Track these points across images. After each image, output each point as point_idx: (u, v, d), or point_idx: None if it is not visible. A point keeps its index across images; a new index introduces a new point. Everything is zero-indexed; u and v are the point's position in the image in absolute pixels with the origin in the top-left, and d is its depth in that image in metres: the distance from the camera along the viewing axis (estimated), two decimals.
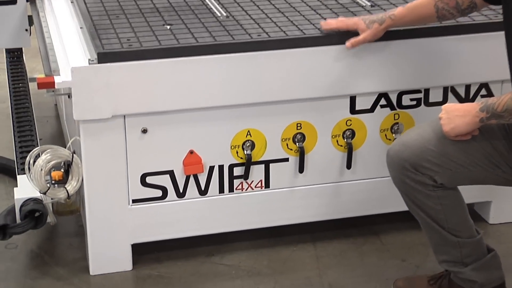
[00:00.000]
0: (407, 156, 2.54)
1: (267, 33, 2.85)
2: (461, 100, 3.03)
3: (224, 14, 3.04)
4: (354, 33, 2.80)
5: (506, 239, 3.15)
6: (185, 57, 2.73)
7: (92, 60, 2.69)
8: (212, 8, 3.10)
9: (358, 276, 2.95)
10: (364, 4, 3.14)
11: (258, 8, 3.11)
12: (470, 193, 2.71)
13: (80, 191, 2.90)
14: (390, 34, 2.82)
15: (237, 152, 2.93)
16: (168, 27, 2.90)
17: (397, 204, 2.97)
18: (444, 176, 2.55)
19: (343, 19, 2.84)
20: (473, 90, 3.04)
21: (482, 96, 3.04)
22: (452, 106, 2.52)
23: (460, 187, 2.63)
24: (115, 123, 2.77)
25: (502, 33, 2.87)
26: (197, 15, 3.02)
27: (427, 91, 3.01)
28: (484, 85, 3.04)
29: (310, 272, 2.97)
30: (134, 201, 2.89)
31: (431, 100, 3.03)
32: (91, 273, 2.95)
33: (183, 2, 3.16)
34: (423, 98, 3.01)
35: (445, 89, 3.01)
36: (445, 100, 3.03)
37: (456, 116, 2.49)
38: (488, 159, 2.55)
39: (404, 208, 2.82)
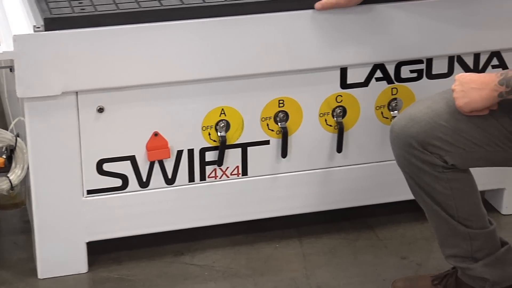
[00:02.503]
0: (414, 133, 2.53)
1: None
2: (469, 71, 3.00)
3: None
4: None
5: None
6: (148, 23, 2.73)
7: (38, 27, 2.67)
8: None
9: (351, 277, 2.95)
10: None
11: None
12: (480, 180, 2.70)
13: (25, 181, 2.88)
14: None
15: (209, 134, 2.91)
16: None
17: (395, 192, 3.03)
18: (456, 156, 2.54)
19: None
20: (483, 60, 3.04)
21: (493, 67, 3.04)
22: (467, 76, 2.50)
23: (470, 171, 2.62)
24: (66, 101, 2.74)
25: None
26: None
27: (429, 61, 3.01)
28: (496, 54, 3.04)
29: (296, 273, 2.97)
30: (89, 192, 2.87)
31: (434, 71, 3.02)
32: (39, 276, 2.93)
33: None
34: (425, 70, 3.02)
35: (451, 59, 3.02)
36: (450, 72, 3.03)
37: (472, 88, 2.48)
38: (507, 137, 2.54)
39: (403, 197, 2.86)
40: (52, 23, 2.64)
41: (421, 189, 2.61)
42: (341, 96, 2.96)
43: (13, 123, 2.85)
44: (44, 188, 2.82)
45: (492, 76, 2.46)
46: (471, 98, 2.48)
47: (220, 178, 2.95)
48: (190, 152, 2.90)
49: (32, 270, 2.94)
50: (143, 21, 2.71)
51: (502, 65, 3.03)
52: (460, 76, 2.51)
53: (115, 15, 2.69)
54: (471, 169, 2.61)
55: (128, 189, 2.89)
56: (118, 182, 2.87)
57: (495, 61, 3.03)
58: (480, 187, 2.68)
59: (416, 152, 2.54)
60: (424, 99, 2.64)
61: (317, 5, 2.79)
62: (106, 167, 2.85)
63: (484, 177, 2.89)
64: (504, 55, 3.02)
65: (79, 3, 2.74)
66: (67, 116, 2.75)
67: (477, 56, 3.01)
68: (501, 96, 2.46)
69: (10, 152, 2.80)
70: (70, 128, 2.77)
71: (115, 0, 2.75)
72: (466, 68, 3.01)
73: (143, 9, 2.71)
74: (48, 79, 2.67)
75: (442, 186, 2.57)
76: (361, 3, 2.79)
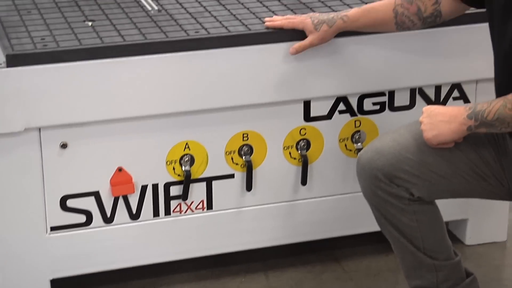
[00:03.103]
0: (380, 165, 2.53)
1: (206, 29, 2.83)
2: (430, 103, 3.03)
3: (156, 7, 3.02)
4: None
5: (485, 261, 3.17)
6: (111, 59, 2.72)
7: (0, 64, 2.65)
8: (141, 1, 3.09)
9: None
10: None
11: (195, 1, 3.09)
12: (443, 211, 2.71)
13: None
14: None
15: (174, 169, 2.89)
16: (90, 23, 2.88)
17: (360, 224, 3.02)
18: (422, 188, 2.54)
19: (289, 16, 2.82)
20: (444, 92, 3.05)
21: (454, 99, 3.06)
22: (436, 109, 2.51)
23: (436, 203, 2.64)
24: (29, 137, 2.72)
25: (476, 26, 2.90)
26: (123, 10, 3.00)
27: (391, 94, 3.01)
28: (457, 86, 3.05)
29: None
30: (52, 228, 2.84)
31: (396, 104, 3.03)
32: None
33: None
34: (387, 102, 3.02)
35: (413, 91, 3.03)
36: (412, 104, 3.03)
37: (440, 121, 2.48)
38: (473, 169, 2.55)
39: (368, 229, 2.86)
40: (14, 60, 2.63)
41: (387, 221, 2.60)
42: (304, 129, 2.96)
43: None
44: (7, 225, 2.78)
45: (460, 110, 2.46)
46: (439, 131, 2.48)
47: (185, 212, 2.94)
48: (155, 187, 2.88)
49: None
50: (106, 56, 2.70)
51: (463, 97, 3.04)
52: (428, 108, 2.52)
53: (78, 51, 2.68)
54: (436, 201, 2.62)
55: (92, 225, 2.86)
56: (82, 218, 2.85)
57: (456, 93, 3.04)
58: (444, 218, 2.69)
59: (382, 184, 2.54)
60: (390, 131, 2.64)
61: (291, 50, 2.78)
62: (70, 203, 2.82)
63: (448, 208, 2.88)
64: (464, 87, 3.03)
65: (41, 39, 2.74)
66: (30, 153, 2.73)
67: (438, 88, 3.02)
68: (470, 130, 2.46)
69: None
70: (33, 164, 2.75)
71: (77, 36, 2.75)
72: (428, 100, 3.02)
73: (106, 44, 2.71)
74: (10, 116, 2.65)
75: (408, 218, 2.57)
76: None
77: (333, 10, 2.94)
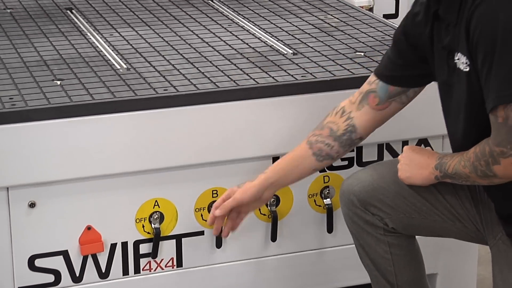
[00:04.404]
0: (357, 191, 2.57)
1: (174, 87, 2.84)
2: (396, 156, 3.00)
3: (124, 66, 3.02)
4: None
5: None
6: (79, 117, 2.70)
7: None
8: (110, 60, 3.09)
9: None
10: (285, 52, 3.15)
11: (164, 59, 3.09)
12: None
13: None
14: (322, 84, 2.85)
15: (143, 226, 2.87)
16: (58, 82, 2.88)
17: (331, 279, 3.00)
18: (396, 220, 2.56)
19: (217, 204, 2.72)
20: None
21: None
22: (415, 152, 2.53)
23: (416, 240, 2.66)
24: None
25: None
26: (92, 68, 3.00)
27: (359, 149, 3.01)
28: (423, 141, 3.06)
29: None
30: None
31: (364, 159, 3.02)
32: None
33: (75, 54, 3.14)
34: (355, 157, 3.02)
35: (380, 146, 3.03)
36: (380, 159, 3.03)
37: (415, 165, 2.51)
38: (449, 210, 2.56)
39: (339, 285, 2.80)
40: None
41: (365, 252, 2.62)
42: None
43: None
44: None
45: (432, 158, 2.48)
46: (412, 174, 2.51)
47: (154, 270, 2.91)
48: (124, 245, 2.85)
49: None
50: (74, 115, 2.69)
51: None
52: (409, 148, 2.54)
53: (46, 110, 2.66)
54: None
55: (60, 284, 2.81)
56: (50, 278, 2.80)
57: None
58: None
59: (358, 211, 2.56)
60: (374, 163, 2.70)
61: (216, 212, 2.68)
62: (38, 262, 2.78)
63: None
64: (431, 141, 3.04)
65: (10, 98, 2.72)
66: None
67: (405, 143, 3.02)
68: (437, 179, 2.48)
69: None
70: (1, 223, 2.71)
71: (46, 95, 2.75)
72: (395, 155, 3.02)
73: (74, 103, 2.70)
74: None
75: (383, 250, 2.58)
76: None
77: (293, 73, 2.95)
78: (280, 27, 3.36)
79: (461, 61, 2.34)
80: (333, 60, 3.02)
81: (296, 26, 3.36)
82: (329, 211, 2.97)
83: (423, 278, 2.66)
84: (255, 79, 2.88)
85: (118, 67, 3.00)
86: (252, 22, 3.44)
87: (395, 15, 4.37)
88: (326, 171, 2.98)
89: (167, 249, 2.90)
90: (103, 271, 2.85)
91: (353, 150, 2.97)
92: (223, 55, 3.11)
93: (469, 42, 2.29)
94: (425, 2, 2.47)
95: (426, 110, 2.95)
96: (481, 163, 2.32)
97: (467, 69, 2.33)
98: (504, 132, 2.24)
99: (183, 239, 2.90)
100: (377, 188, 2.56)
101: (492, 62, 2.22)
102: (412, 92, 2.61)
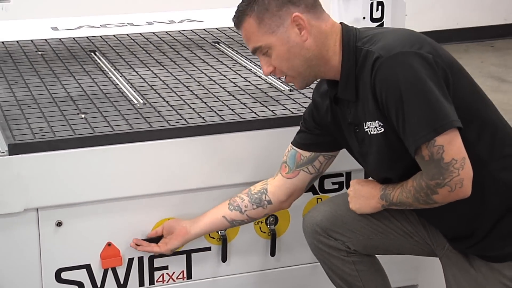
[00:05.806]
0: (319, 220, 2.62)
1: (185, 119, 2.89)
2: None
3: (141, 101, 3.08)
4: None
5: None
6: (101, 146, 2.76)
7: (3, 152, 2.68)
8: (128, 96, 3.13)
9: None
10: (283, 89, 3.21)
11: (176, 95, 3.15)
12: (392, 277, 2.74)
13: None
14: None
15: None
16: (83, 115, 2.92)
17: None
18: (357, 243, 2.62)
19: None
20: None
21: None
22: (360, 184, 2.59)
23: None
24: (28, 217, 2.74)
25: None
26: (112, 103, 3.05)
27: (348, 174, 3.04)
28: None
29: None
30: None
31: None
32: None
33: (98, 90, 3.20)
34: (345, 181, 3.06)
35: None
36: None
37: (362, 196, 2.57)
38: (399, 227, 2.63)
39: None
40: (15, 148, 2.67)
41: (333, 273, 2.67)
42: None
43: None
44: None
45: (377, 189, 2.53)
46: (361, 205, 2.57)
47: (167, 281, 2.94)
48: (140, 259, 2.89)
49: None
50: (96, 144, 2.74)
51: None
52: (354, 182, 2.60)
53: (72, 140, 2.72)
54: (385, 267, 2.63)
55: None
56: None
57: None
58: (393, 284, 2.71)
59: (321, 238, 2.62)
60: (330, 197, 2.75)
61: (134, 247, 2.81)
62: (64, 275, 2.83)
63: (397, 274, 2.90)
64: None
65: (40, 129, 2.78)
66: (29, 230, 2.74)
67: None
68: (384, 207, 2.55)
69: None
70: (31, 241, 2.75)
71: (72, 127, 2.81)
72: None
73: (96, 134, 2.76)
74: (11, 198, 2.68)
75: (349, 268, 2.63)
76: None
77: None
78: None
79: (373, 126, 2.41)
80: None
81: None
82: None
83: (387, 284, 2.71)
84: (256, 113, 2.95)
85: (136, 102, 3.06)
86: (254, 62, 3.48)
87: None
88: (319, 194, 3.03)
89: (179, 263, 2.95)
90: (122, 282, 2.91)
91: (342, 175, 3.02)
92: (228, 91, 3.17)
93: (380, 105, 2.35)
94: (322, 91, 2.57)
95: None
96: (421, 195, 2.38)
97: (382, 130, 2.39)
98: (434, 167, 2.29)
99: (192, 254, 2.95)
100: (337, 216, 2.60)
101: (404, 114, 2.28)
102: (318, 163, 2.68)
